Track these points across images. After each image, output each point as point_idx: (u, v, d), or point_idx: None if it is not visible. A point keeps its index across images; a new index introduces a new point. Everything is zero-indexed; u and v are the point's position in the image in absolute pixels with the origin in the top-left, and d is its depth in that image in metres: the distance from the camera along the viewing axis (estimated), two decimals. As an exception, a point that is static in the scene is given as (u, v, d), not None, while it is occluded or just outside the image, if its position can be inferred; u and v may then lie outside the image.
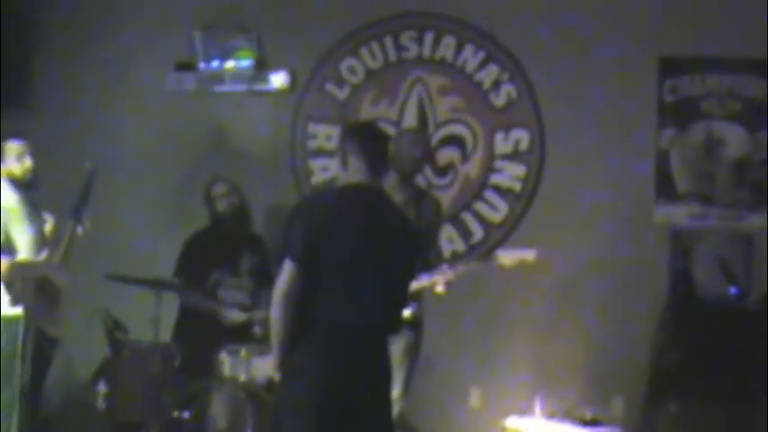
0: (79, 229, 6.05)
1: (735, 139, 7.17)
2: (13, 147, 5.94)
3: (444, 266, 5.88)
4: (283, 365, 4.59)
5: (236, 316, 6.72)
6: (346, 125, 5.43)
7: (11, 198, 5.87)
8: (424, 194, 6.31)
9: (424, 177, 7.46)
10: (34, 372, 5.73)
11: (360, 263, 4.61)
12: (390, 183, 5.89)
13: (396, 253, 4.74)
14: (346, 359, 4.56)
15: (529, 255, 5.81)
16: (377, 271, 4.65)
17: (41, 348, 5.80)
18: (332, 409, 4.52)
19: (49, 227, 6.06)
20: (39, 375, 5.91)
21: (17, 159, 5.91)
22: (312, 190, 7.64)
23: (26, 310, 5.61)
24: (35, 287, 5.73)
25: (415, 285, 5.72)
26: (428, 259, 5.97)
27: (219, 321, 6.70)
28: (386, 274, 4.70)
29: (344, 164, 4.82)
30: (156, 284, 6.27)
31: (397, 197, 5.91)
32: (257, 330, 6.65)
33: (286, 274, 4.54)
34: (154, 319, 6.20)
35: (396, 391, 5.75)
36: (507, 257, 5.83)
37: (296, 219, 4.68)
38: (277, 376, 4.64)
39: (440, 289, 5.81)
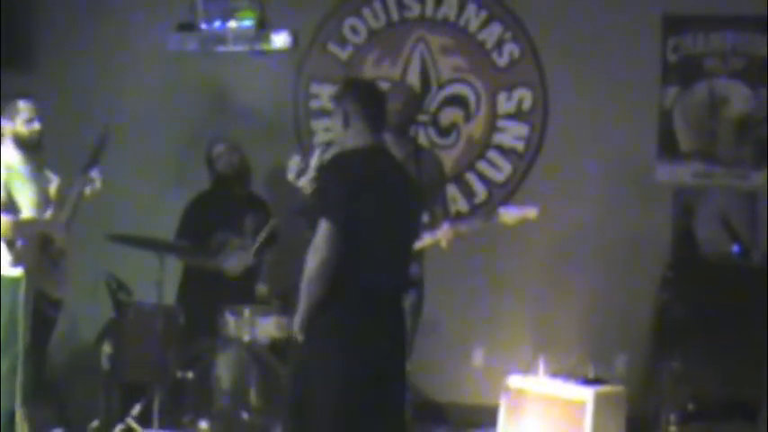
0: (87, 189, 6.03)
1: (738, 97, 7.15)
2: (24, 107, 5.87)
3: (445, 224, 5.86)
4: (309, 326, 4.55)
5: (238, 266, 6.69)
6: (344, 83, 5.16)
7: (14, 157, 5.84)
8: (424, 151, 6.28)
9: (427, 137, 7.49)
10: (38, 334, 5.73)
11: (383, 225, 4.61)
12: (387, 140, 5.85)
13: (406, 213, 4.79)
14: (377, 322, 4.58)
15: (531, 212, 5.81)
16: (394, 232, 4.67)
17: (43, 310, 5.79)
18: (362, 371, 4.52)
19: (53, 187, 6.03)
20: (42, 338, 5.91)
21: (27, 122, 5.85)
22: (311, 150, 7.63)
23: (27, 270, 5.60)
24: (37, 248, 5.71)
25: (417, 244, 5.74)
26: (435, 215, 5.99)
27: (223, 279, 6.68)
28: (401, 235, 4.75)
29: (345, 124, 4.76)
30: (159, 246, 6.25)
31: (396, 154, 5.87)
32: (261, 287, 6.67)
33: (327, 236, 4.47)
34: (158, 281, 6.17)
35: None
36: (509, 215, 5.83)
37: (331, 179, 4.60)
38: (299, 336, 4.58)
39: (444, 244, 5.81)
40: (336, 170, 4.67)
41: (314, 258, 4.48)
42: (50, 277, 5.85)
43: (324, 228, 4.47)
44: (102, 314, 6.64)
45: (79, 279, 6.42)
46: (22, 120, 5.84)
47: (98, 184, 6.09)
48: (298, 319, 4.57)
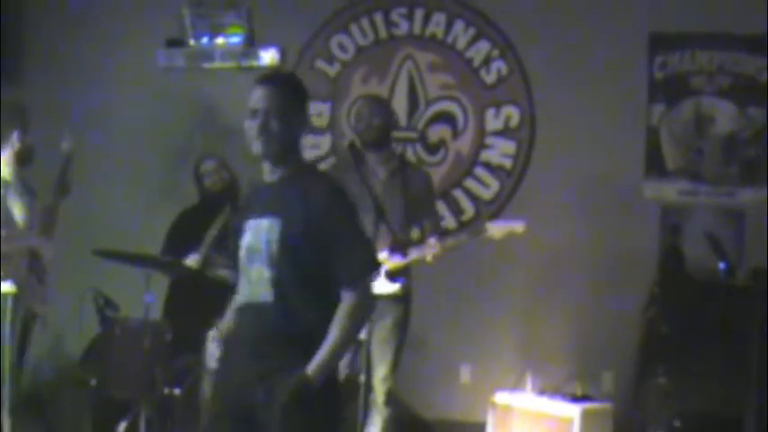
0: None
1: (724, 115, 7.21)
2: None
3: (432, 240, 5.85)
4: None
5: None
6: (295, 79, 4.12)
7: (9, 171, 5.87)
8: (410, 167, 6.26)
9: (415, 154, 7.55)
10: (18, 348, 5.77)
11: None
12: (371, 159, 5.88)
13: None
14: None
15: (517, 225, 5.81)
16: None
17: (27, 325, 5.83)
18: None
19: (38, 202, 6.07)
20: (21, 351, 5.92)
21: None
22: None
23: (18, 286, 5.62)
24: (27, 264, 5.73)
25: (404, 260, 5.80)
26: (423, 231, 6.00)
27: (210, 293, 6.50)
28: None
29: (297, 130, 3.97)
30: (145, 261, 6.24)
31: (381, 171, 5.93)
32: None
33: (372, 296, 3.95)
34: (144, 296, 6.15)
35: (384, 369, 5.84)
36: (496, 229, 5.82)
37: (359, 218, 4.00)
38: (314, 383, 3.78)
39: (429, 258, 5.80)
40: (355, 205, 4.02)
41: (370, 306, 3.96)
42: (37, 293, 5.86)
43: (369, 287, 3.92)
44: (87, 330, 6.58)
45: (65, 294, 6.40)
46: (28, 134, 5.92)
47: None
48: (324, 364, 3.77)
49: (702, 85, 7.25)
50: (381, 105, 6.21)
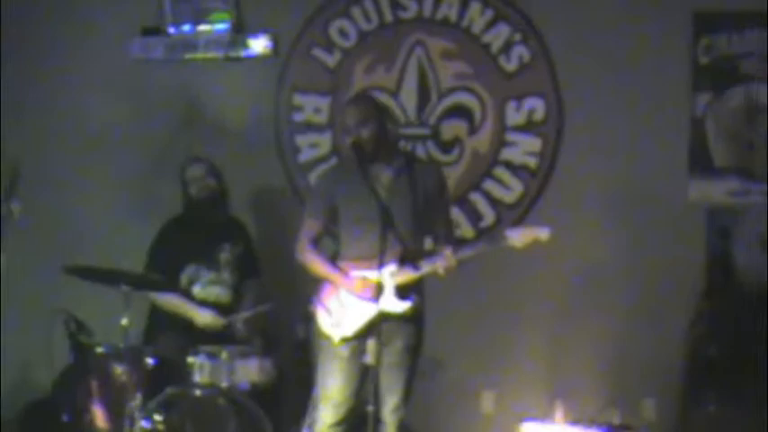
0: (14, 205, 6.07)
1: (778, 104, 7.14)
2: None
3: (447, 250, 5.67)
4: None
5: (212, 320, 6.57)
6: None
7: None
8: (419, 163, 6.08)
9: (427, 152, 7.48)
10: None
11: None
12: (374, 169, 5.72)
13: None
14: None
15: (542, 233, 5.64)
16: None
17: None
18: None
19: None
20: None
21: None
22: (300, 168, 7.63)
23: None
24: None
25: (415, 273, 5.67)
26: (436, 239, 5.89)
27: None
28: None
29: None
30: (123, 280, 6.08)
31: (385, 172, 5.76)
32: (239, 330, 6.61)
33: None
34: (122, 319, 6.00)
35: (395, 398, 5.76)
36: (518, 236, 5.66)
37: None
38: None
39: (441, 272, 5.65)
40: None
41: None
42: None
43: None
44: (59, 358, 6.46)
45: (33, 318, 6.36)
46: None
47: (16, 215, 6.11)
48: None
49: (753, 71, 7.13)
50: (367, 111, 5.87)
